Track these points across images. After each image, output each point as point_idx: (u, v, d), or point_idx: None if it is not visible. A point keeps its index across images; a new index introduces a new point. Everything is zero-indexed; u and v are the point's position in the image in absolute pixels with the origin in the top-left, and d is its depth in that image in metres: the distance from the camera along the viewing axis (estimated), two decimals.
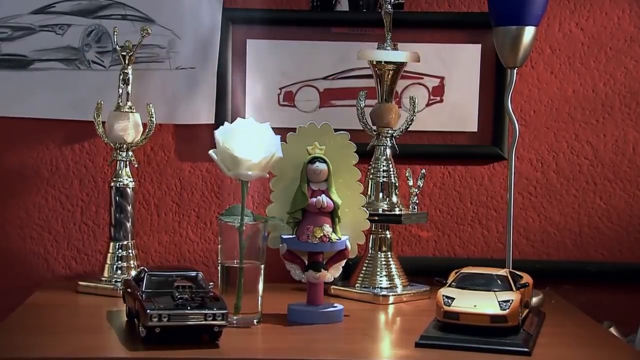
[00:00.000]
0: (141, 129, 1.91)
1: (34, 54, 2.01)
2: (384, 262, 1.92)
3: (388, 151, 1.92)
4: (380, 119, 1.91)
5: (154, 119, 1.92)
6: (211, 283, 1.58)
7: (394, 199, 1.92)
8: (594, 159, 2.08)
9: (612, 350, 1.59)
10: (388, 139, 1.92)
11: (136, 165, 1.93)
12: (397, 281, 1.91)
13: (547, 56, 2.07)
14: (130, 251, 1.91)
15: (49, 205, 2.06)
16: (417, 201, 1.92)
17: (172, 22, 2.02)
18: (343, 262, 1.74)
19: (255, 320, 1.66)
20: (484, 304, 1.53)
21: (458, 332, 1.53)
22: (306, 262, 1.71)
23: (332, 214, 1.71)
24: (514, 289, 1.57)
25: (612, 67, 2.07)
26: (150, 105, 1.92)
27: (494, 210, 2.09)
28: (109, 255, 1.91)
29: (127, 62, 1.91)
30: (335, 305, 1.73)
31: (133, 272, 1.80)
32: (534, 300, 1.78)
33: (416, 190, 1.92)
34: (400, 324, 1.77)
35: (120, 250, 1.90)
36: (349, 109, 2.01)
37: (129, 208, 1.91)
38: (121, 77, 1.90)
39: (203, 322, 1.49)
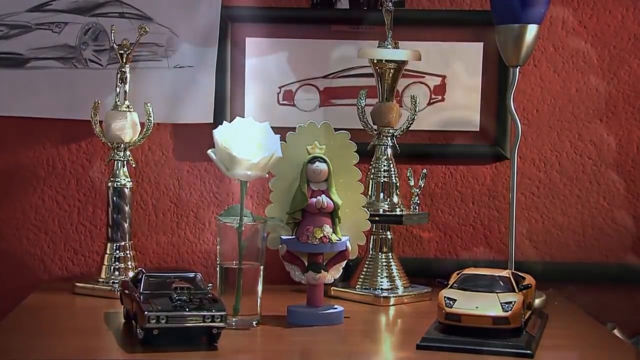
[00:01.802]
0: (139, 128, 1.91)
1: (31, 52, 2.00)
2: (384, 263, 1.91)
3: (389, 151, 1.91)
4: (381, 118, 1.90)
5: (151, 118, 1.91)
6: (210, 284, 1.57)
7: (395, 199, 1.91)
8: (597, 159, 2.07)
9: (616, 352, 1.58)
10: (389, 138, 1.91)
11: (134, 165, 1.92)
12: (398, 282, 1.90)
13: (550, 55, 2.06)
14: (127, 252, 1.90)
15: (45, 206, 2.05)
16: (418, 201, 1.91)
17: (170, 20, 2.01)
18: (343, 263, 1.73)
19: (254, 322, 1.65)
20: (486, 305, 1.53)
21: (460, 334, 1.52)
22: (306, 263, 1.70)
23: (332, 215, 1.70)
24: (516, 290, 1.57)
25: (616, 65, 2.06)
26: (148, 104, 1.91)
27: (496, 210, 2.08)
28: (106, 256, 1.90)
29: (124, 60, 1.89)
30: (335, 306, 1.73)
31: (131, 273, 1.80)
32: (537, 301, 1.77)
33: (417, 190, 1.91)
34: (401, 326, 1.77)
35: (117, 251, 1.89)
36: (349, 108, 2.00)
37: (127, 208, 1.90)
38: (119, 75, 1.89)
39: (201, 324, 1.49)
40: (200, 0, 2.01)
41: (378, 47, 1.89)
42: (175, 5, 2.01)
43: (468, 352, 1.49)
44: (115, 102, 1.89)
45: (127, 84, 1.89)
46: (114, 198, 1.89)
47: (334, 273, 1.73)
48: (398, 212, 1.90)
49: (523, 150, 2.06)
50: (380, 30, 1.91)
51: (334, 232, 1.70)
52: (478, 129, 2.06)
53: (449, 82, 2.05)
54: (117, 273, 1.88)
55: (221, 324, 1.49)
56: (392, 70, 1.89)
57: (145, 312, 1.46)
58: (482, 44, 2.04)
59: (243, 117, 1.72)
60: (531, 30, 1.80)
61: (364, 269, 1.91)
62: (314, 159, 1.70)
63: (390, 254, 1.92)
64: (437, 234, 2.09)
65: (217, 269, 1.67)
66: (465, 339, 1.51)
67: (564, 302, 1.93)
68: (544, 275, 1.88)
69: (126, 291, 1.62)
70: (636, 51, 2.06)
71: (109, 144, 1.90)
